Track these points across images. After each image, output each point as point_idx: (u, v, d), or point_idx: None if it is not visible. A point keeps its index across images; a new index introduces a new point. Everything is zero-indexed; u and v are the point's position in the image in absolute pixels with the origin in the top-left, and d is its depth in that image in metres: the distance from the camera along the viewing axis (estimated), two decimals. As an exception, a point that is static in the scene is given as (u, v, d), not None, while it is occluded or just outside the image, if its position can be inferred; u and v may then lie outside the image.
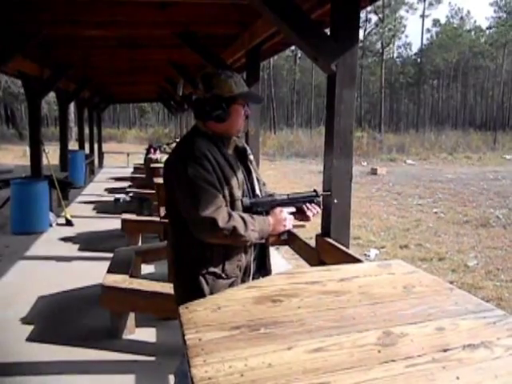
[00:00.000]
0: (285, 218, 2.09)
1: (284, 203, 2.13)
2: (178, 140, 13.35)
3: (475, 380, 1.13)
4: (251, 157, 2.21)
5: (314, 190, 2.22)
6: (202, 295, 1.88)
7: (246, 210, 2.02)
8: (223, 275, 2.01)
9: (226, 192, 1.97)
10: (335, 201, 2.99)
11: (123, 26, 5.45)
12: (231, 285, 2.01)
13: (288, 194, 2.17)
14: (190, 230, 1.95)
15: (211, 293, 1.92)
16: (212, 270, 2.00)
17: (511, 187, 14.41)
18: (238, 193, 2.01)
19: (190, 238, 1.98)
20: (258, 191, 2.16)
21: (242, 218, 1.94)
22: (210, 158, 1.95)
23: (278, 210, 2.09)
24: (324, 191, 2.39)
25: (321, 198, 2.23)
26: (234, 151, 2.14)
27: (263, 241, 2.12)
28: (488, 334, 1.33)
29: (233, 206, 1.99)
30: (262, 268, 2.21)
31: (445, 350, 1.24)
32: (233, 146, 2.13)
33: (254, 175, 2.17)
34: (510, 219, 9.47)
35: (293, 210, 2.14)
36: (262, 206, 2.08)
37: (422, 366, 1.17)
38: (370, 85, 62.01)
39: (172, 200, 2.04)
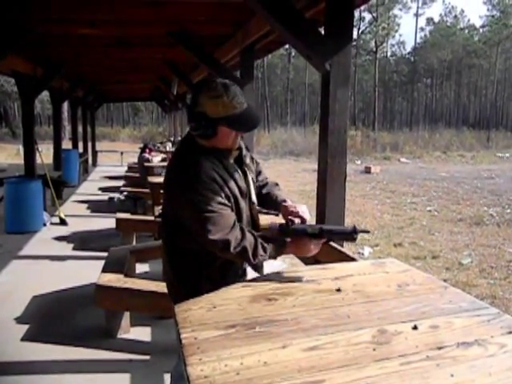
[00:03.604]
0: (309, 249, 1.90)
1: (315, 236, 1.90)
2: (171, 139, 13.37)
3: (469, 378, 1.14)
4: (247, 159, 2.13)
5: (354, 227, 1.88)
6: None
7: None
8: (223, 282, 2.01)
9: (233, 206, 1.94)
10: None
11: (116, 25, 5.43)
12: None
13: (322, 227, 1.91)
14: (192, 237, 1.92)
15: None
16: (213, 276, 2.00)
17: (505, 185, 14.48)
18: (242, 202, 1.99)
19: (194, 245, 1.96)
20: (253, 194, 2.12)
21: (255, 241, 1.86)
22: (218, 179, 1.88)
23: (303, 240, 1.90)
24: (356, 226, 2.04)
25: (358, 235, 1.88)
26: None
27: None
28: (482, 331, 1.34)
29: (239, 215, 1.97)
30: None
31: (439, 348, 1.25)
32: (234, 155, 2.05)
33: (250, 177, 2.12)
34: (504, 217, 9.51)
35: (323, 241, 1.93)
36: (293, 234, 1.92)
37: (416, 363, 1.18)
38: (363, 83, 62.08)
39: (175, 215, 1.97)
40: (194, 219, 1.88)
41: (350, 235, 1.87)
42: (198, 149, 1.95)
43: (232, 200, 1.94)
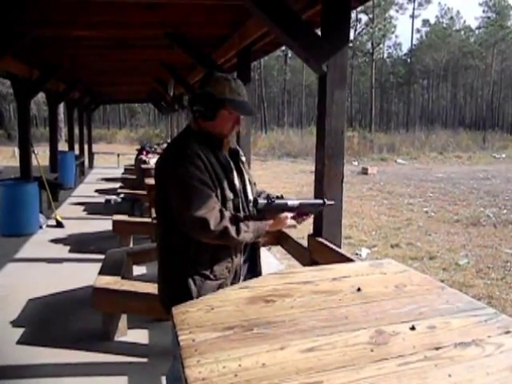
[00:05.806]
0: (286, 223, 2.13)
1: (293, 209, 2.13)
2: (168, 141, 13.37)
3: (467, 378, 1.14)
4: (243, 158, 2.20)
5: (322, 199, 2.25)
6: (189, 296, 1.88)
7: (259, 211, 2.03)
8: (211, 276, 2.01)
9: (218, 192, 1.97)
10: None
11: (112, 27, 5.43)
12: (220, 286, 2.00)
13: (300, 202, 2.16)
14: (179, 231, 1.95)
15: (199, 294, 1.92)
16: (200, 271, 1.99)
17: (501, 186, 14.52)
18: (229, 194, 2.01)
19: (178, 239, 1.98)
20: (249, 193, 2.15)
21: (235, 219, 1.93)
22: (203, 157, 1.94)
23: (284, 214, 2.09)
24: (324, 198, 2.37)
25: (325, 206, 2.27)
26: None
27: (260, 239, 2.12)
28: (479, 332, 1.35)
29: (224, 207, 1.98)
30: (253, 270, 2.21)
31: (436, 349, 1.25)
32: (227, 148, 2.12)
33: (246, 177, 2.16)
34: (500, 218, 9.54)
35: (294, 214, 2.16)
36: (274, 212, 2.08)
37: (414, 364, 1.18)
38: (360, 85, 62.21)
39: (162, 200, 2.03)
40: (176, 195, 1.93)
41: (320, 206, 2.23)
42: (192, 135, 2.05)
43: (217, 185, 1.96)
